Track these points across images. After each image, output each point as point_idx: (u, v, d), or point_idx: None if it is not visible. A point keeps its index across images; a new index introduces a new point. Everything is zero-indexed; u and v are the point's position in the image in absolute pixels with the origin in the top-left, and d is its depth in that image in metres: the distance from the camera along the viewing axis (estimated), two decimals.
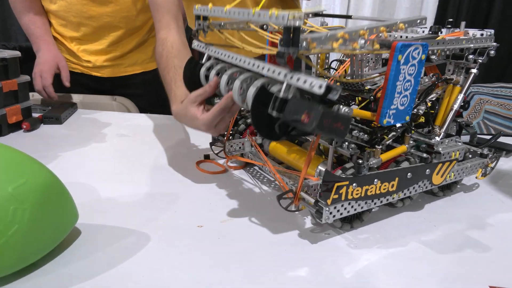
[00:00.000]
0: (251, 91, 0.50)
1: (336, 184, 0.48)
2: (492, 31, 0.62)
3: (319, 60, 0.81)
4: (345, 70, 0.76)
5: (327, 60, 0.81)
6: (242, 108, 0.74)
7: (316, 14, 0.81)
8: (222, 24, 0.64)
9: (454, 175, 0.62)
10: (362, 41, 0.49)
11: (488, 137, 0.73)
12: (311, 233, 0.55)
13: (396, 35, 0.65)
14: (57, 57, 1.14)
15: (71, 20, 1.14)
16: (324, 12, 0.79)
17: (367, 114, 0.54)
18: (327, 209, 0.49)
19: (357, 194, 0.50)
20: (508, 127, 1.43)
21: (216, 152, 0.77)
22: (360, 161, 0.49)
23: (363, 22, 1.07)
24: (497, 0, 2.09)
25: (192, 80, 0.64)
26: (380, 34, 0.61)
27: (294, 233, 0.55)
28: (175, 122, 0.92)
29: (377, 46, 0.51)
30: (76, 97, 1.17)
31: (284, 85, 0.45)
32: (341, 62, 0.79)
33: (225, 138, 0.72)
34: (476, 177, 0.66)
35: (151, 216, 0.58)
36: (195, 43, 0.65)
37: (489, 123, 1.43)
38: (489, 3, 2.12)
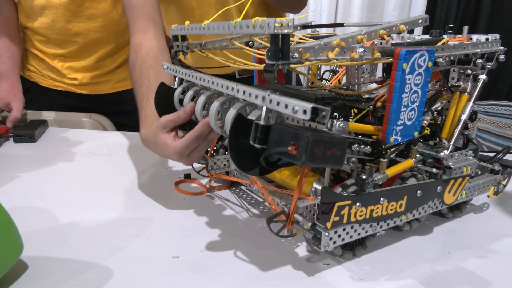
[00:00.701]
0: (229, 116, 0.42)
1: (337, 204, 0.40)
2: (498, 35, 0.57)
3: (310, 72, 0.75)
4: (338, 80, 0.70)
5: (318, 72, 0.75)
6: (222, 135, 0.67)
7: (305, 26, 0.76)
8: (204, 43, 0.57)
9: (465, 193, 0.55)
10: (361, 50, 0.42)
11: (489, 154, 0.67)
12: (307, 263, 0.47)
13: (393, 41, 0.59)
14: (9, 97, 1.02)
15: (54, 38, 1.06)
16: (312, 21, 0.74)
17: (369, 128, 0.48)
18: (326, 234, 0.41)
19: (361, 216, 0.43)
20: (502, 145, 1.41)
21: (197, 170, 0.69)
22: (364, 177, 0.42)
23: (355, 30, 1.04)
24: (484, 6, 2.11)
25: (165, 105, 0.57)
26: (379, 42, 0.55)
27: (287, 264, 0.46)
28: None
29: (377, 54, 0.44)
30: (47, 114, 1.07)
31: (264, 110, 0.38)
32: (334, 72, 0.73)
33: (208, 154, 0.65)
34: (488, 196, 0.59)
35: (117, 246, 0.49)
36: (164, 66, 0.59)
37: (482, 141, 1.40)
38: (475, 10, 2.14)
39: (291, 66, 0.40)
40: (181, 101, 0.56)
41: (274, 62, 0.35)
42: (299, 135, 0.34)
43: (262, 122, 0.37)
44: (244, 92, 0.40)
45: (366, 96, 0.62)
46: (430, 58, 0.46)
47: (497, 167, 0.59)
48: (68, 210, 0.58)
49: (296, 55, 0.37)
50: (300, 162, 0.34)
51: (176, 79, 0.57)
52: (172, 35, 0.56)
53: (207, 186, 0.67)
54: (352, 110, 0.62)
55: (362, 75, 0.69)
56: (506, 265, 0.48)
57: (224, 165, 0.65)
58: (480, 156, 0.65)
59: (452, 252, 0.50)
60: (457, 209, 0.60)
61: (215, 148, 0.66)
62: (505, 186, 0.61)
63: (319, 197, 0.47)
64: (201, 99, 0.49)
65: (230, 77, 1.07)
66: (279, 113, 0.40)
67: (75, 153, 0.83)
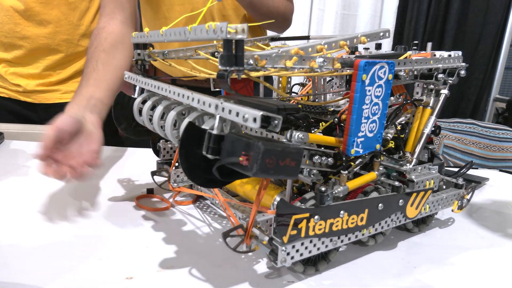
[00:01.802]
0: (184, 125, 0.41)
1: (294, 217, 0.38)
2: (460, 52, 0.59)
3: (280, 85, 0.75)
4: (307, 92, 0.70)
5: (288, 85, 0.75)
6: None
7: (272, 39, 0.76)
8: (166, 52, 0.56)
9: (429, 207, 0.55)
10: (321, 60, 0.42)
11: (454, 169, 0.68)
12: (267, 280, 0.45)
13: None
14: None
15: (1, 40, 1.01)
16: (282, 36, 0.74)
17: (330, 140, 0.47)
18: (283, 248, 0.39)
19: (320, 230, 0.41)
20: (466, 161, 1.46)
21: (159, 183, 0.66)
22: (323, 189, 0.41)
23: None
24: (449, 28, 2.20)
25: (124, 115, 0.56)
26: (347, 56, 0.56)
27: (246, 281, 0.44)
28: (116, 153, 0.81)
29: (338, 65, 0.44)
30: (4, 126, 1.01)
31: (217, 118, 0.36)
32: (303, 85, 0.73)
33: (170, 167, 0.62)
34: (452, 210, 0.59)
35: (64, 267, 0.45)
36: (126, 75, 0.58)
37: (448, 157, 1.44)
38: (441, 31, 2.23)
39: (251, 74, 0.39)
40: (140, 111, 0.54)
41: (227, 68, 0.34)
42: (251, 144, 0.32)
43: (215, 132, 0.36)
44: (198, 101, 0.39)
45: (332, 108, 0.62)
46: (390, 70, 0.45)
47: (460, 181, 0.60)
48: (12, 228, 0.54)
49: (251, 61, 0.36)
50: (251, 173, 0.32)
51: (137, 88, 0.56)
52: (133, 43, 0.55)
53: (171, 201, 0.65)
54: (321, 123, 0.61)
55: (331, 88, 0.69)
56: (469, 279, 0.47)
57: None
58: (445, 171, 0.65)
59: (417, 267, 0.49)
60: (423, 223, 0.59)
61: (178, 160, 0.64)
62: (469, 200, 0.61)
63: None
64: (159, 109, 0.48)
65: (204, 90, 1.06)
66: (236, 123, 0.39)
67: (30, 167, 0.79)
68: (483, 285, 0.46)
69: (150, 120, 0.51)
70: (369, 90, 0.44)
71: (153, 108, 0.52)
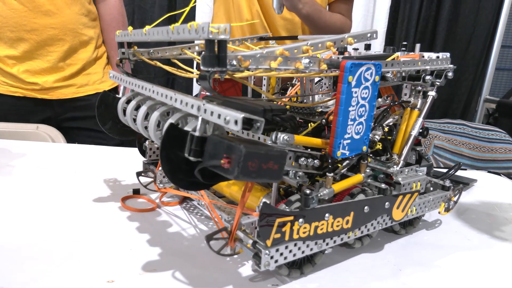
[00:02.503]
0: (165, 127, 0.40)
1: (278, 220, 0.38)
2: (448, 54, 0.59)
3: (269, 86, 0.74)
4: (296, 93, 0.69)
5: (277, 85, 0.75)
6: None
7: (261, 38, 0.76)
8: (151, 51, 0.56)
9: (416, 209, 0.54)
10: (307, 60, 0.41)
11: (443, 170, 0.68)
12: (252, 283, 0.44)
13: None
14: None
15: (7, 36, 0.99)
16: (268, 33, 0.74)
17: (316, 141, 0.46)
18: (267, 252, 0.38)
19: (304, 233, 0.41)
20: (456, 162, 1.46)
21: (145, 184, 0.65)
22: (308, 192, 0.40)
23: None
24: (440, 30, 2.21)
25: (108, 115, 0.55)
26: (336, 57, 0.55)
27: (230, 284, 0.43)
28: (106, 152, 0.80)
29: (324, 66, 0.44)
30: None
31: (199, 120, 0.36)
32: (292, 86, 0.72)
33: (156, 167, 0.61)
34: (439, 212, 0.59)
35: (43, 270, 0.44)
36: (110, 74, 0.57)
37: (438, 158, 1.45)
38: (431, 42, 2.24)
39: (235, 76, 0.38)
40: (125, 111, 0.53)
41: (209, 69, 0.34)
42: (232, 147, 0.32)
43: (197, 133, 0.35)
44: (181, 102, 0.38)
45: (320, 109, 0.61)
46: (377, 72, 0.45)
47: (447, 183, 0.60)
48: None
49: (234, 62, 0.35)
50: (232, 176, 0.31)
51: (121, 88, 0.55)
52: (117, 42, 0.54)
53: (157, 202, 0.64)
54: (310, 124, 0.61)
55: (321, 89, 0.69)
56: (456, 281, 0.47)
57: None
58: (434, 173, 0.65)
59: (403, 269, 0.49)
60: (410, 225, 0.59)
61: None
62: (456, 202, 0.61)
63: None
64: (143, 109, 0.47)
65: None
66: (220, 125, 0.38)
67: (14, 167, 0.77)
68: (469, 287, 0.46)
69: (135, 120, 0.51)
70: (356, 92, 0.44)
71: (137, 108, 0.51)
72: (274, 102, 0.66)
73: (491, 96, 2.29)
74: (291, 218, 0.39)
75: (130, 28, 0.48)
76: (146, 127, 0.48)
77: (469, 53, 2.28)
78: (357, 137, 0.46)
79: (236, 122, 0.31)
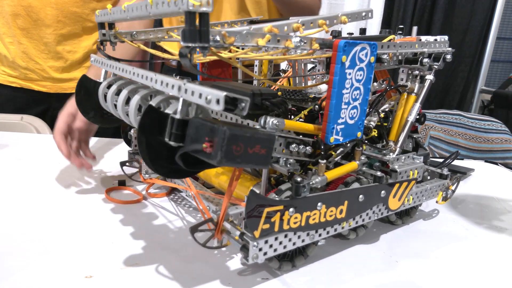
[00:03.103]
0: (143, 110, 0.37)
1: (266, 210, 0.35)
2: (447, 37, 0.56)
3: (261, 71, 0.71)
4: (288, 79, 0.66)
5: (269, 72, 0.72)
6: None
7: (252, 22, 0.72)
8: (135, 33, 0.52)
9: (412, 198, 0.52)
10: (297, 39, 0.38)
11: (439, 160, 0.66)
12: (240, 277, 0.42)
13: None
14: None
15: (5, 10, 0.93)
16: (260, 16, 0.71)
17: (308, 127, 0.44)
18: (255, 244, 0.36)
19: (295, 223, 0.38)
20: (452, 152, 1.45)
21: (130, 175, 0.62)
22: (299, 180, 0.38)
23: None
24: (436, 19, 2.18)
25: (89, 101, 0.52)
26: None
27: (217, 278, 0.41)
28: (92, 143, 0.78)
29: (316, 45, 0.41)
30: None
31: (180, 101, 0.33)
32: (284, 72, 0.69)
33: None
34: (436, 202, 0.57)
35: (20, 264, 0.42)
36: (92, 58, 0.53)
37: (434, 148, 1.43)
38: (427, 32, 2.22)
39: (222, 55, 0.35)
40: (106, 97, 0.50)
41: (190, 44, 0.31)
42: (215, 129, 0.29)
43: (178, 116, 0.32)
44: (161, 83, 0.35)
45: (313, 95, 0.58)
46: (372, 52, 0.42)
47: (445, 171, 0.57)
48: None
49: (218, 38, 0.32)
50: (215, 161, 0.29)
51: (102, 72, 0.52)
52: (97, 22, 0.50)
53: (143, 193, 0.61)
54: (303, 112, 0.58)
55: (315, 77, 0.66)
56: (453, 272, 0.45)
57: None
58: (431, 162, 0.63)
59: (400, 261, 0.47)
60: (406, 214, 0.57)
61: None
62: (453, 191, 0.59)
63: None
64: (123, 93, 0.44)
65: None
66: (204, 108, 0.35)
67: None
68: (467, 278, 0.44)
69: (116, 106, 0.48)
70: (350, 73, 0.41)
71: (118, 93, 0.48)
72: (265, 86, 0.63)
73: (487, 87, 2.28)
74: (281, 207, 0.36)
75: (109, 6, 0.45)
76: (127, 113, 0.45)
77: (465, 44, 2.26)
78: (351, 122, 0.44)
79: (218, 101, 0.28)
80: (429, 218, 0.60)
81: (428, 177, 0.58)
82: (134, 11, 0.39)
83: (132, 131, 0.61)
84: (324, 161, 0.41)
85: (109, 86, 0.50)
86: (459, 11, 2.21)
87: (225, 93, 0.28)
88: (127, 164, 0.60)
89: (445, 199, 0.58)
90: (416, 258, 0.48)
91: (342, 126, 0.43)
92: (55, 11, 0.96)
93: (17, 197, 0.58)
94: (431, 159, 0.61)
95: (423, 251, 0.49)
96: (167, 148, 0.34)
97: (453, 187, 0.59)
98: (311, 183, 0.40)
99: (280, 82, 0.66)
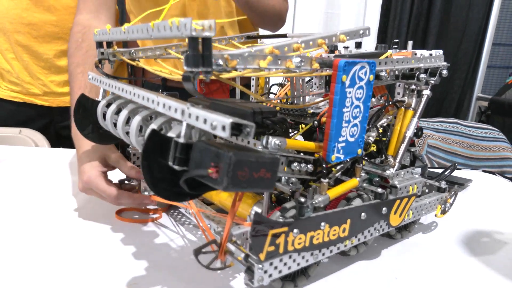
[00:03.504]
0: (147, 134, 0.37)
1: (271, 232, 0.35)
2: (441, 51, 0.57)
3: (258, 86, 0.71)
4: (286, 93, 0.67)
5: (267, 85, 0.72)
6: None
7: (248, 37, 0.73)
8: (133, 51, 0.52)
9: (412, 213, 0.53)
10: (298, 59, 0.39)
11: (437, 170, 0.66)
12: None
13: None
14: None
15: (6, 27, 0.95)
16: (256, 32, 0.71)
17: (309, 145, 0.44)
18: (260, 266, 0.36)
19: (300, 244, 0.38)
20: (450, 161, 1.44)
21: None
22: (302, 200, 0.38)
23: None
24: (432, 27, 2.20)
25: (87, 119, 0.51)
26: (326, 55, 0.53)
27: None
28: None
29: (316, 65, 0.41)
30: None
31: (184, 125, 0.33)
32: (281, 86, 0.70)
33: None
34: (435, 215, 0.57)
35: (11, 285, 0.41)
36: (90, 75, 0.53)
37: (432, 157, 1.43)
38: (423, 40, 2.23)
39: (221, 76, 0.35)
40: (104, 115, 0.50)
41: (193, 69, 0.31)
42: (220, 155, 0.29)
43: (181, 140, 0.32)
44: (164, 105, 0.35)
45: (312, 110, 0.59)
46: (371, 71, 0.43)
47: (443, 185, 0.58)
48: None
49: (220, 62, 0.32)
50: (221, 187, 0.29)
51: (101, 90, 0.51)
52: (95, 41, 0.50)
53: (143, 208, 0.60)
54: (300, 126, 0.58)
55: (311, 89, 0.66)
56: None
57: None
58: (428, 173, 0.63)
59: (400, 278, 0.47)
60: (405, 229, 0.57)
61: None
62: (451, 204, 0.59)
63: None
64: (123, 113, 0.44)
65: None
66: (206, 130, 0.35)
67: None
68: None
69: (115, 125, 0.47)
70: (350, 92, 0.42)
71: (118, 112, 0.47)
72: (263, 104, 0.64)
73: (484, 94, 2.29)
74: (285, 229, 0.36)
75: (108, 26, 0.45)
76: (127, 133, 0.44)
77: (461, 51, 2.28)
78: (351, 139, 0.44)
79: (223, 127, 0.28)
80: (427, 231, 0.60)
81: (426, 190, 0.58)
82: (135, 33, 0.38)
83: (130, 147, 0.61)
84: (327, 180, 0.41)
85: (108, 105, 0.50)
86: (455, 19, 2.23)
87: (231, 120, 0.28)
88: (125, 182, 0.60)
89: (443, 212, 0.58)
90: (416, 273, 0.48)
91: (343, 144, 0.43)
92: (55, 28, 0.97)
93: (13, 213, 0.57)
94: (429, 169, 0.62)
95: (423, 266, 0.50)
96: (170, 172, 0.33)
97: (451, 200, 0.59)
98: (314, 202, 0.40)
99: (277, 95, 0.67)
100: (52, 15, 0.96)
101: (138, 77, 1.05)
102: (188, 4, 0.85)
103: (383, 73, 0.47)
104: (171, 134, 0.34)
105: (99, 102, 0.51)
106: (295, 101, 0.60)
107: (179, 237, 0.54)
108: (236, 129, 0.29)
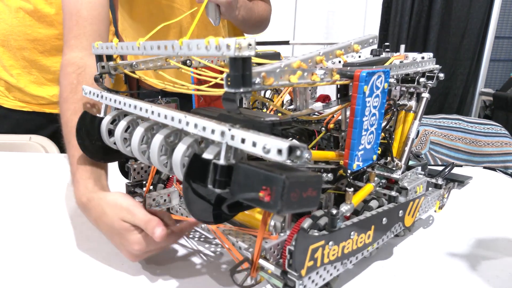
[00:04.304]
0: (178, 153, 0.36)
1: (311, 247, 0.35)
2: (432, 54, 0.59)
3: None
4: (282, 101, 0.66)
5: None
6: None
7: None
8: (134, 63, 0.49)
9: (418, 212, 0.55)
10: (321, 72, 0.39)
11: (438, 168, 0.69)
12: None
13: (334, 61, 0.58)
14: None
15: (11, 44, 0.96)
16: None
17: (331, 155, 0.44)
18: (300, 282, 0.36)
19: (333, 255, 0.38)
20: (453, 157, 1.42)
21: None
22: (334, 212, 0.38)
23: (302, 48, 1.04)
24: (433, 24, 2.21)
25: (89, 138, 0.48)
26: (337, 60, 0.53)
27: None
28: None
29: (336, 76, 0.41)
30: None
31: (224, 147, 0.31)
32: (276, 91, 0.70)
33: (144, 190, 0.56)
34: (435, 211, 0.60)
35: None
36: (86, 90, 0.50)
37: (435, 154, 1.43)
38: (424, 37, 2.24)
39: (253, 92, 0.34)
40: (110, 133, 0.47)
41: (235, 90, 0.30)
42: (272, 178, 0.28)
43: (222, 162, 0.31)
44: (196, 126, 0.34)
45: (315, 117, 0.59)
46: (386, 79, 0.44)
47: (440, 181, 0.61)
48: None
49: (258, 80, 0.32)
50: (275, 210, 0.28)
51: (103, 106, 0.48)
52: (95, 55, 0.47)
53: None
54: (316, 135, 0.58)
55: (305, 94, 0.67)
56: (454, 284, 0.47)
57: (165, 200, 0.57)
58: (429, 171, 0.65)
59: (398, 275, 0.48)
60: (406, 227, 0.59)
61: (152, 182, 0.57)
62: (447, 199, 0.62)
63: (282, 234, 0.42)
64: (139, 131, 0.41)
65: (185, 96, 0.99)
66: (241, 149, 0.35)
67: (7, 179, 0.74)
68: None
69: (125, 142, 0.45)
70: (369, 101, 0.42)
71: (126, 129, 0.45)
72: (265, 112, 0.63)
73: (488, 88, 2.28)
74: (322, 242, 0.36)
75: (115, 40, 0.42)
76: (143, 152, 0.42)
77: (463, 46, 2.25)
78: (368, 146, 0.45)
79: (280, 151, 0.28)
80: (426, 225, 0.63)
81: (429, 189, 0.61)
82: (154, 49, 0.37)
83: (129, 162, 0.58)
84: (352, 189, 0.42)
85: (112, 121, 0.48)
86: (456, 14, 2.20)
87: (288, 144, 0.27)
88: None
89: (441, 207, 0.61)
90: (414, 271, 0.49)
91: (362, 152, 0.44)
92: (60, 41, 0.97)
93: (28, 216, 0.56)
94: (430, 167, 0.64)
95: (420, 263, 0.51)
96: (208, 194, 0.32)
97: (446, 195, 0.62)
98: (344, 212, 0.40)
99: (276, 102, 0.66)
100: (55, 29, 0.96)
101: (133, 86, 1.02)
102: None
103: (392, 80, 0.48)
104: (207, 155, 0.33)
105: (100, 118, 0.48)
106: (298, 107, 0.60)
107: (195, 253, 0.52)
108: (290, 152, 0.28)
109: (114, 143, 0.48)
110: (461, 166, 0.91)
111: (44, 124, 1.03)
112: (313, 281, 0.37)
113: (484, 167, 0.91)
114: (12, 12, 0.93)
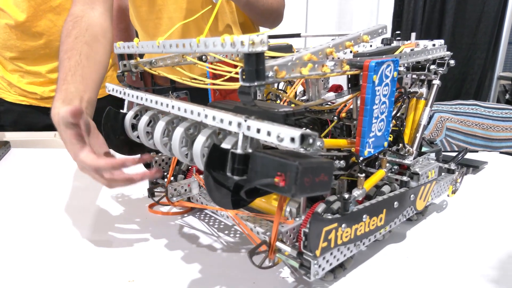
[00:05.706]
0: (198, 144, 0.38)
1: (325, 229, 0.37)
2: (443, 41, 0.60)
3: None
4: (296, 92, 0.68)
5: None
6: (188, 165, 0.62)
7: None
8: (154, 61, 0.53)
9: (431, 196, 0.56)
10: (332, 63, 0.41)
11: (453, 154, 0.70)
12: None
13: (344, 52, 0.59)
14: None
15: (7, 55, 1.04)
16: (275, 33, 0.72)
17: (342, 142, 0.46)
18: (315, 262, 0.38)
19: (346, 237, 0.41)
20: (470, 143, 1.41)
21: (157, 200, 0.62)
22: (346, 196, 0.40)
23: (313, 40, 1.04)
24: (449, 8, 2.17)
25: (113, 133, 0.52)
26: (348, 51, 0.54)
27: None
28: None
29: (346, 67, 0.43)
30: (9, 135, 1.02)
31: (241, 137, 0.34)
32: (290, 82, 0.71)
33: (166, 181, 0.59)
34: (448, 195, 0.61)
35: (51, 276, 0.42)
36: (109, 87, 0.53)
37: (451, 140, 1.41)
38: (439, 22, 2.20)
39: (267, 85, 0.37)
40: (133, 127, 0.50)
41: (250, 84, 0.32)
42: (286, 164, 0.30)
43: (239, 151, 0.34)
44: (214, 118, 0.36)
45: (327, 107, 0.61)
46: (395, 68, 0.45)
47: (453, 166, 0.62)
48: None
49: (271, 73, 0.34)
50: (289, 194, 0.31)
51: (126, 102, 0.51)
52: (117, 54, 0.50)
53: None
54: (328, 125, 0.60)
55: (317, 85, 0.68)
56: (466, 268, 0.48)
57: (185, 190, 0.60)
58: (444, 157, 0.66)
59: (411, 257, 0.50)
60: (419, 212, 0.61)
61: (173, 173, 0.60)
62: (460, 184, 0.63)
63: (297, 219, 0.44)
64: (161, 125, 0.44)
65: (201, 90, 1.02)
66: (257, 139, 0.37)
67: (38, 174, 0.79)
68: (477, 274, 0.47)
69: (147, 136, 0.48)
70: (378, 90, 0.44)
71: (149, 123, 0.48)
72: (278, 103, 0.65)
73: (507, 72, 2.21)
74: (335, 225, 0.39)
75: (136, 40, 0.45)
76: (165, 144, 0.45)
77: (480, 30, 2.19)
78: (379, 134, 0.47)
79: (293, 139, 0.30)
80: (440, 210, 0.64)
81: (442, 174, 0.62)
82: (173, 48, 0.39)
83: (150, 154, 0.61)
84: (363, 175, 0.44)
85: (135, 116, 0.51)
86: None
87: (300, 132, 0.30)
88: (154, 191, 0.60)
89: (454, 192, 0.62)
90: (426, 253, 0.50)
91: (373, 139, 0.46)
92: (46, 50, 1.03)
93: (58, 209, 0.61)
94: (444, 153, 0.65)
95: (433, 246, 0.52)
96: (227, 181, 0.35)
97: (459, 180, 0.63)
98: (356, 197, 0.42)
99: (289, 94, 0.68)
100: (40, 39, 1.02)
101: (148, 82, 1.06)
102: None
103: (402, 68, 0.50)
104: (225, 145, 0.36)
105: (123, 114, 0.51)
106: (311, 98, 0.62)
107: (215, 238, 0.55)
108: (301, 139, 0.30)
109: (138, 137, 0.51)
110: (477, 151, 0.90)
111: (40, 117, 1.09)
112: (327, 261, 0.40)
113: (501, 152, 0.90)
114: (1, 28, 1.00)
